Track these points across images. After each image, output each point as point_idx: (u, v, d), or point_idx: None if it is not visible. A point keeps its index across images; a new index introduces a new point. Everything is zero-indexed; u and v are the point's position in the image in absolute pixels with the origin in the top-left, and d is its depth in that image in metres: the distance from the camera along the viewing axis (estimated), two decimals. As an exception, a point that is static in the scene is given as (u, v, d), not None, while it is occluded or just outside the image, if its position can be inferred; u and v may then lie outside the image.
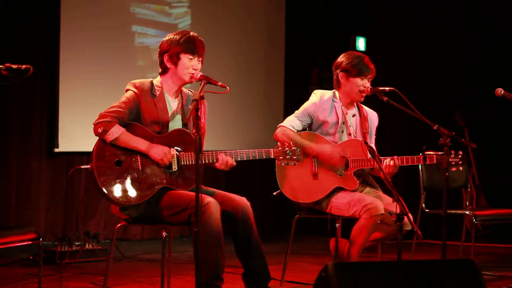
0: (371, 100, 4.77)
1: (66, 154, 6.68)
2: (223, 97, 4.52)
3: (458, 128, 7.28)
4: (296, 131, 4.58)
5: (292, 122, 4.59)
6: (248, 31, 7.84)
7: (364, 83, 4.55)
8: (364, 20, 8.15)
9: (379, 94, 4.45)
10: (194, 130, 4.03)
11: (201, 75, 3.93)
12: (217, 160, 3.94)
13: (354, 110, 4.69)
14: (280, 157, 4.02)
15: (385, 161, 4.41)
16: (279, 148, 4.02)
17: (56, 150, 6.58)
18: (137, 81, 4.05)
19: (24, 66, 3.53)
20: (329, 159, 4.49)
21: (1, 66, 3.52)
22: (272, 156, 4.03)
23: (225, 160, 3.94)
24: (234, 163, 3.97)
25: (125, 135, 3.89)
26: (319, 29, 8.09)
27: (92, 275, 5.08)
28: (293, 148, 4.02)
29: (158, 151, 3.90)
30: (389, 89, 4.42)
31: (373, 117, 4.77)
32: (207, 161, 3.95)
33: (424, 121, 4.22)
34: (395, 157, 4.43)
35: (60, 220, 6.53)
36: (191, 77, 4.01)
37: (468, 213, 5.38)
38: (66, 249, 5.60)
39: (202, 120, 4.02)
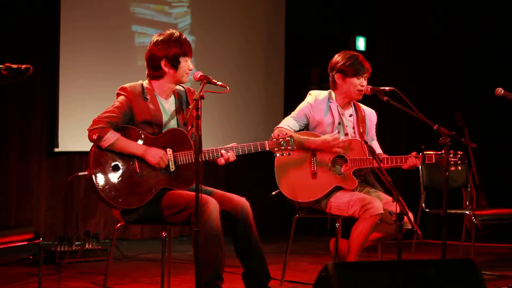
0: (371, 100, 4.77)
1: (66, 154, 6.68)
2: (222, 97, 4.53)
3: (458, 128, 7.28)
4: (293, 131, 4.58)
5: (289, 123, 4.59)
6: (248, 30, 7.84)
7: (360, 82, 4.56)
8: (364, 20, 8.16)
9: (379, 94, 4.45)
10: (190, 127, 4.06)
11: (201, 75, 3.92)
12: (221, 155, 3.94)
13: (351, 110, 4.69)
14: (275, 149, 4.03)
15: (408, 159, 4.41)
16: (274, 140, 4.03)
17: (56, 150, 6.58)
18: (127, 85, 4.03)
19: (24, 66, 3.53)
20: (331, 147, 4.45)
21: (1, 66, 3.52)
22: (267, 149, 4.03)
23: (226, 158, 3.95)
24: (235, 158, 3.99)
25: (121, 140, 3.88)
26: (319, 29, 8.10)
27: (92, 275, 5.08)
28: (287, 138, 4.02)
29: (154, 155, 3.89)
30: (389, 89, 4.42)
31: (371, 115, 4.76)
32: (207, 157, 3.95)
33: (424, 121, 4.22)
34: (414, 153, 4.42)
35: (60, 220, 6.54)
36: (194, 77, 4.01)
37: (468, 213, 5.38)
38: (66, 249, 5.60)
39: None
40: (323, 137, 4.49)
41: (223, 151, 3.95)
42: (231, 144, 4.00)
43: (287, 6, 8.09)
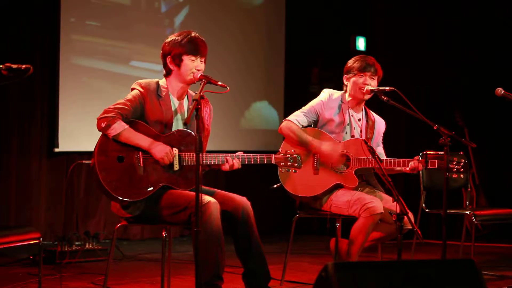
0: (371, 100, 4.77)
1: (66, 154, 6.67)
2: (222, 97, 4.52)
3: (458, 128, 7.28)
4: (301, 126, 4.59)
5: (298, 117, 4.60)
6: (248, 30, 7.84)
7: (364, 80, 4.56)
8: (364, 20, 8.16)
9: (379, 94, 4.45)
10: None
11: (201, 75, 3.94)
12: (226, 161, 3.95)
13: (361, 115, 4.69)
14: (281, 163, 4.04)
15: (410, 163, 4.42)
16: (281, 155, 4.03)
17: (56, 150, 6.57)
18: (143, 81, 4.05)
19: (24, 66, 3.53)
20: (328, 158, 4.49)
21: (1, 66, 3.52)
22: (273, 162, 4.04)
23: (231, 164, 3.95)
24: (240, 166, 3.99)
25: (128, 131, 3.89)
26: (319, 29, 8.10)
27: (92, 275, 5.08)
28: (294, 155, 4.03)
29: (160, 150, 3.89)
30: (389, 89, 4.43)
31: (380, 123, 4.77)
32: (212, 163, 3.95)
33: (424, 121, 4.22)
34: (417, 157, 4.43)
35: (60, 220, 6.53)
36: (194, 77, 4.02)
37: (468, 213, 5.38)
38: (66, 249, 5.60)
39: (207, 122, 4.04)
40: (327, 149, 4.48)
41: (228, 157, 3.95)
42: (238, 153, 4.00)
43: (287, 6, 8.08)
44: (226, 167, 3.97)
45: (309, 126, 4.66)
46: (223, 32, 7.58)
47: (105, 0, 6.90)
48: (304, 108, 4.64)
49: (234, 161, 3.96)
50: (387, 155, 4.63)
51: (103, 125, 3.87)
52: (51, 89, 6.57)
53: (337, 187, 4.53)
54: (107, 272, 4.16)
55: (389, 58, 7.71)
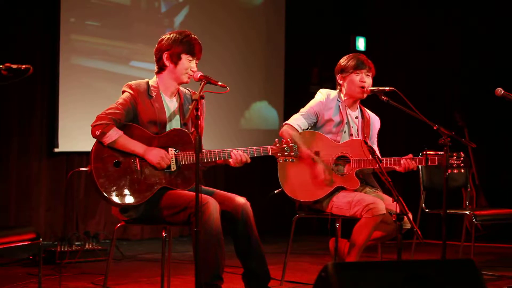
0: (371, 100, 4.77)
1: (66, 154, 6.67)
2: (222, 97, 4.52)
3: (458, 128, 7.28)
4: (302, 129, 4.58)
5: (298, 121, 4.59)
6: (248, 30, 7.84)
7: (361, 78, 4.56)
8: (364, 20, 8.16)
9: (379, 94, 4.45)
10: (193, 129, 4.06)
11: (201, 75, 3.93)
12: (230, 157, 3.95)
13: (357, 113, 4.70)
14: (278, 154, 4.02)
15: (402, 160, 4.41)
16: (277, 145, 4.02)
17: (56, 150, 6.58)
18: (133, 82, 4.05)
19: (24, 66, 3.53)
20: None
21: (1, 66, 3.52)
22: (270, 153, 4.02)
23: (239, 158, 3.94)
24: (249, 160, 3.98)
25: (123, 138, 3.90)
26: (319, 29, 8.10)
27: (92, 275, 5.08)
28: (290, 144, 4.02)
29: (155, 155, 3.90)
30: (389, 89, 4.43)
31: (375, 120, 4.77)
32: (209, 160, 3.94)
33: (424, 121, 4.22)
34: (411, 155, 4.43)
35: (60, 220, 6.53)
36: (189, 78, 4.02)
37: (468, 213, 5.38)
38: (66, 249, 5.61)
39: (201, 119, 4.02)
40: (316, 158, 4.48)
41: (234, 152, 3.94)
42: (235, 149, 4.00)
43: (287, 5, 8.09)
44: (233, 162, 3.96)
45: (308, 128, 4.65)
46: (223, 32, 7.58)
47: (105, 0, 6.91)
48: (303, 110, 4.63)
49: (240, 155, 3.94)
50: (388, 155, 4.62)
51: (97, 132, 3.88)
52: (51, 89, 6.58)
53: (338, 189, 4.52)
54: (107, 272, 4.16)
55: (389, 58, 7.74)
